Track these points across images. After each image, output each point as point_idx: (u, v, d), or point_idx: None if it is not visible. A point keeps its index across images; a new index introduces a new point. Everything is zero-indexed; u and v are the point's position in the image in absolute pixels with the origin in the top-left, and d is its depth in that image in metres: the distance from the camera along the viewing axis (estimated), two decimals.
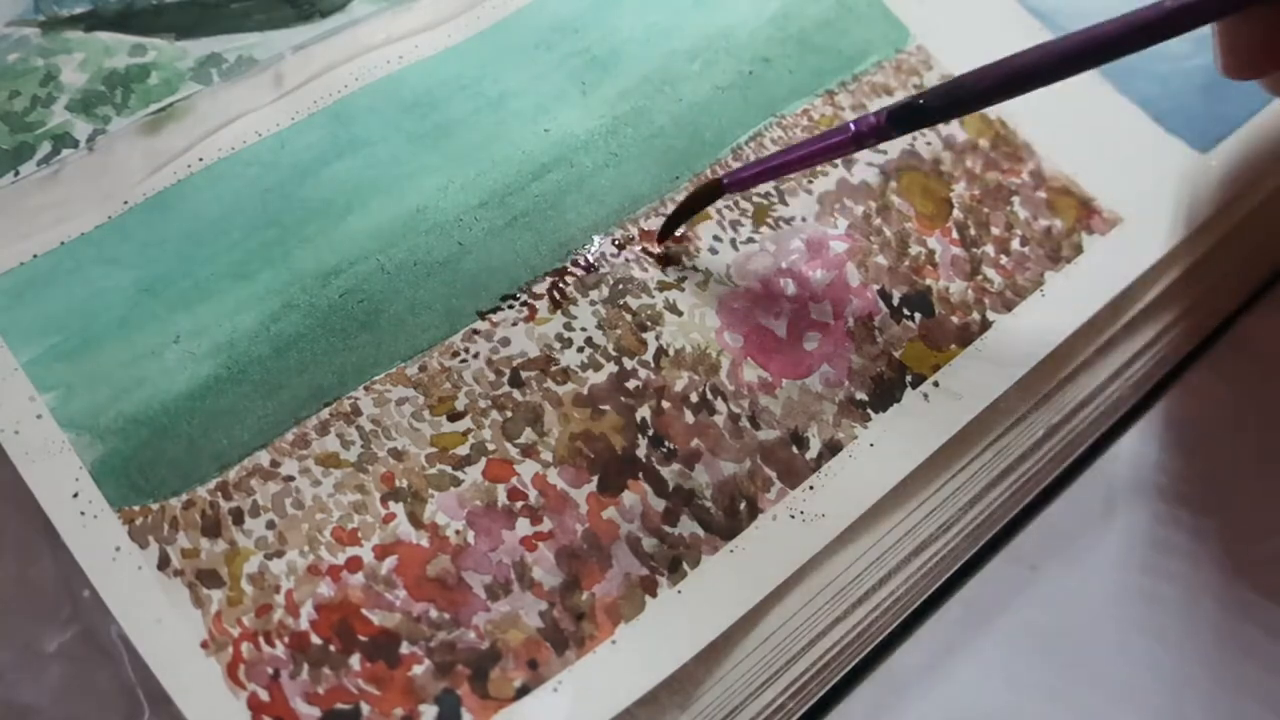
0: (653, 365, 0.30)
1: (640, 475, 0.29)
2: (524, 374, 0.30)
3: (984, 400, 0.31)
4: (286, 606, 0.26)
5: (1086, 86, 0.36)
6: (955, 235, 0.33)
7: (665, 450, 0.29)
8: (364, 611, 0.26)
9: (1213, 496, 0.32)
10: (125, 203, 0.31)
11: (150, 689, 0.25)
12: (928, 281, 0.32)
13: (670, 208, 0.33)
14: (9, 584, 0.26)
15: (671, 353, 0.30)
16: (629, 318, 0.31)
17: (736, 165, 0.33)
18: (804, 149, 0.29)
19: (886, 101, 0.35)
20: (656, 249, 0.32)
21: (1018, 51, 0.25)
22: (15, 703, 0.25)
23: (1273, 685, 0.29)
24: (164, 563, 0.26)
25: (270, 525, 0.27)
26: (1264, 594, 0.31)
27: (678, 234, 0.32)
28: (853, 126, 0.28)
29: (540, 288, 0.31)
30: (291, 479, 0.28)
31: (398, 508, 0.28)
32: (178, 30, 0.34)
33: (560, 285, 0.31)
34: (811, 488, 0.29)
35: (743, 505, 0.29)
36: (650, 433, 0.29)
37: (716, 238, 0.32)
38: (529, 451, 0.29)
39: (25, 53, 0.33)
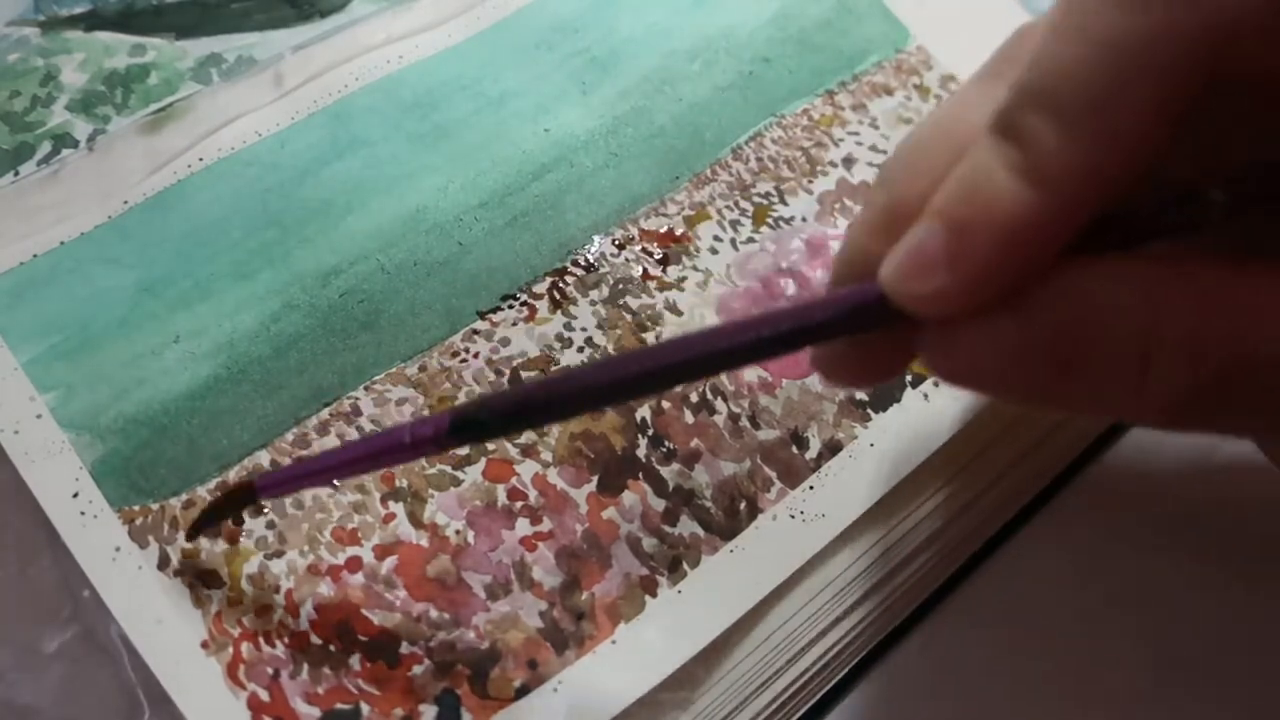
0: None
1: (640, 475, 0.29)
2: (524, 374, 0.30)
3: (984, 400, 0.31)
4: (286, 606, 0.26)
5: None
6: None
7: (665, 450, 0.29)
8: (364, 611, 0.26)
9: (1213, 499, 0.32)
10: (125, 202, 0.31)
11: (150, 689, 0.25)
12: None
13: (670, 208, 0.33)
14: (9, 584, 0.26)
15: None
16: (629, 318, 0.31)
17: (280, 468, 0.27)
18: (351, 453, 0.24)
19: (887, 101, 0.36)
20: (187, 544, 0.27)
21: (585, 365, 0.21)
22: (15, 703, 0.25)
23: (1272, 687, 0.29)
24: (164, 563, 0.26)
25: (270, 525, 0.27)
26: (1264, 594, 0.31)
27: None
28: (408, 437, 0.22)
29: (540, 288, 0.31)
30: None
31: (398, 507, 0.28)
32: (178, 30, 0.34)
33: (560, 285, 0.31)
34: (811, 488, 0.29)
35: (743, 505, 0.29)
36: (650, 433, 0.29)
37: (717, 238, 0.32)
38: (529, 451, 0.29)
39: (25, 53, 0.33)
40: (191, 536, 0.27)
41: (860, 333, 0.20)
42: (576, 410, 0.23)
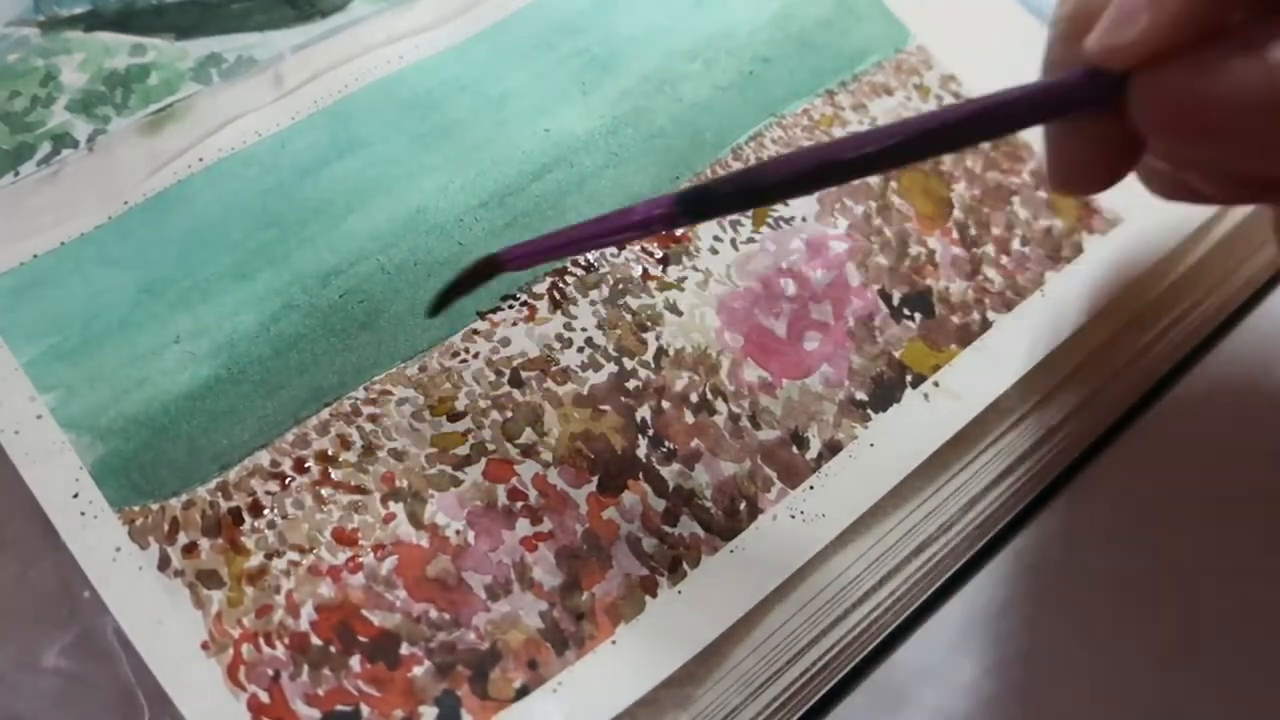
0: (653, 365, 0.30)
1: (640, 475, 0.29)
2: (524, 374, 0.30)
3: (984, 400, 0.31)
4: (287, 607, 0.26)
5: None
6: (955, 235, 0.33)
7: (665, 450, 0.29)
8: (364, 612, 0.26)
9: (1213, 498, 0.32)
10: (125, 203, 0.31)
11: (150, 690, 0.25)
12: (928, 281, 0.32)
13: None
14: (9, 584, 0.26)
15: (672, 353, 0.30)
16: (629, 318, 0.31)
17: (521, 242, 0.27)
18: (591, 229, 0.26)
19: (887, 101, 0.35)
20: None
21: (828, 142, 0.23)
22: (15, 703, 0.25)
23: (1272, 688, 0.29)
24: (164, 563, 0.26)
25: (271, 525, 0.27)
26: (1265, 596, 0.31)
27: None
28: (641, 210, 0.25)
29: (540, 287, 0.31)
30: (292, 479, 0.28)
31: (398, 508, 0.28)
32: (178, 30, 0.34)
33: (560, 285, 0.31)
34: (811, 488, 0.29)
35: (743, 505, 0.29)
36: (650, 433, 0.29)
37: (717, 238, 0.32)
38: (529, 452, 0.29)
39: (25, 53, 0.33)
40: (434, 312, 0.28)
41: (1079, 109, 0.22)
42: (800, 190, 0.24)
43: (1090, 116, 0.22)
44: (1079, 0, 0.22)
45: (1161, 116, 0.20)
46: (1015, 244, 0.33)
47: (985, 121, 0.21)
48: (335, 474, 0.28)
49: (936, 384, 0.31)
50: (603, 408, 0.29)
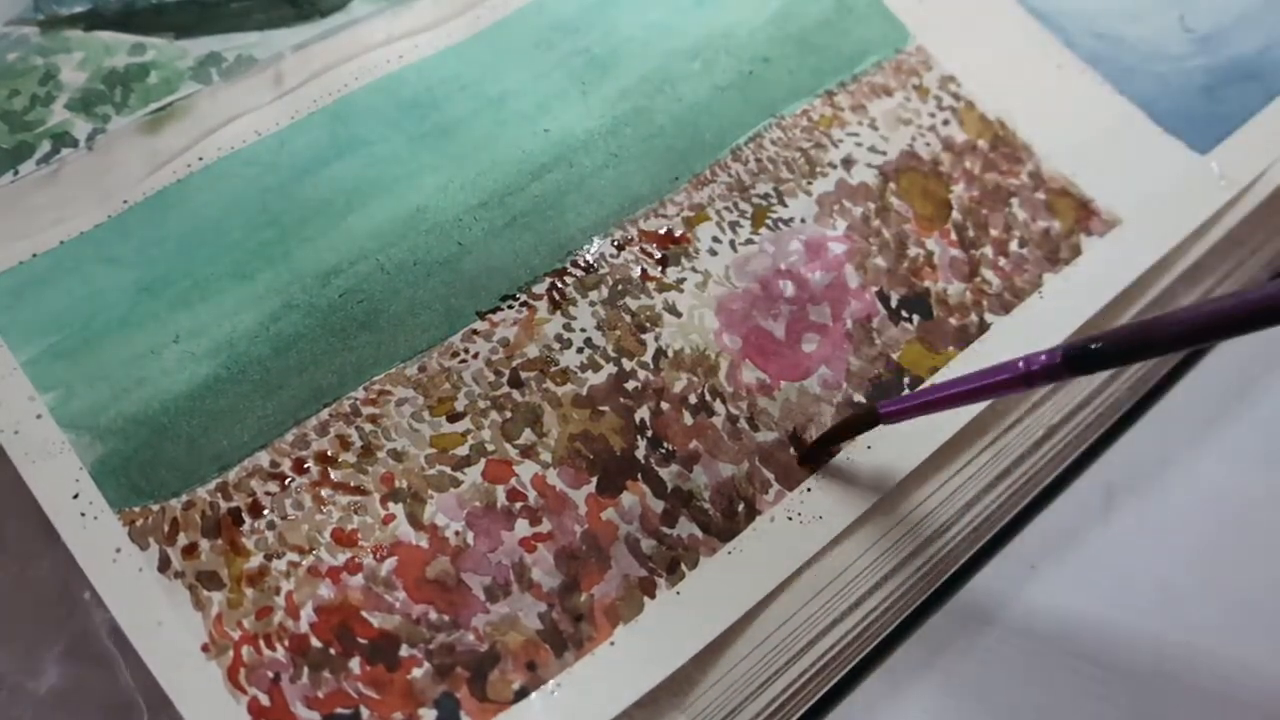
0: (652, 366, 0.30)
1: (639, 476, 0.29)
2: (523, 375, 0.30)
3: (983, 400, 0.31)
4: (287, 608, 0.26)
5: (1086, 87, 0.36)
6: (954, 237, 0.33)
7: (664, 451, 0.29)
8: (364, 613, 0.26)
9: (1213, 497, 0.32)
10: (125, 202, 0.31)
11: (150, 693, 0.25)
12: (926, 283, 0.33)
13: (669, 209, 0.33)
14: (9, 585, 0.26)
15: (670, 354, 0.30)
16: (628, 319, 0.31)
17: (898, 396, 0.29)
18: (970, 383, 0.26)
19: (886, 102, 0.35)
20: (801, 469, 0.29)
21: (1212, 299, 0.23)
22: (14, 704, 0.25)
23: (1273, 690, 0.30)
24: (164, 564, 0.26)
25: (270, 526, 0.27)
26: (1263, 598, 0.31)
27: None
28: (1021, 365, 0.24)
29: (540, 288, 0.31)
30: (291, 480, 0.28)
31: (397, 509, 0.28)
32: (177, 29, 0.34)
33: (559, 285, 0.31)
34: (809, 490, 0.29)
35: (741, 507, 0.29)
36: (649, 434, 0.29)
37: (716, 239, 0.32)
38: (528, 452, 0.29)
39: (25, 52, 0.33)
40: (806, 459, 0.29)
41: None
42: (1170, 348, 0.23)
43: None
44: None
45: None
46: (1013, 246, 0.33)
47: None
48: (335, 475, 0.28)
49: None
50: (602, 409, 0.30)
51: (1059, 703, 0.29)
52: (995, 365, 0.25)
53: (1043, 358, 0.24)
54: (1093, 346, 0.23)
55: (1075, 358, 0.23)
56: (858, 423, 0.29)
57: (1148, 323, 0.23)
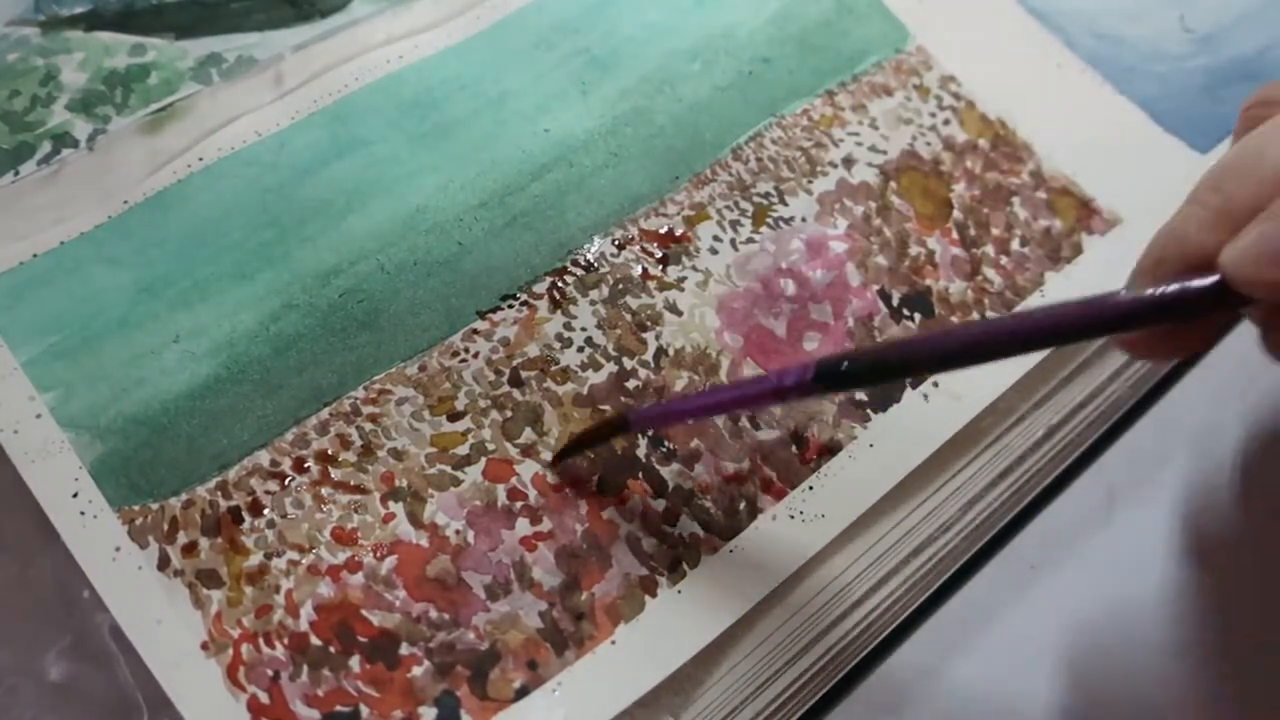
0: (653, 365, 0.30)
1: (640, 475, 0.29)
2: (524, 374, 0.30)
3: (983, 401, 0.31)
4: (286, 607, 0.26)
5: (1086, 87, 0.36)
6: (955, 236, 0.33)
7: (665, 450, 0.29)
8: (364, 612, 0.26)
9: (1212, 497, 0.32)
10: (125, 202, 0.31)
11: (149, 691, 0.25)
12: (928, 282, 0.32)
13: (670, 208, 0.33)
14: (9, 584, 0.26)
15: (671, 352, 0.30)
16: (629, 317, 0.31)
17: (648, 405, 0.29)
18: (723, 396, 0.26)
19: (886, 102, 0.35)
20: (552, 477, 0.29)
21: (957, 325, 0.23)
22: (13, 703, 0.25)
23: (1272, 691, 0.29)
24: (164, 563, 0.26)
25: (270, 525, 0.27)
26: (1264, 600, 0.31)
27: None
28: (773, 380, 0.24)
29: (540, 287, 0.31)
30: (291, 479, 0.28)
31: (397, 507, 0.28)
32: (178, 30, 0.34)
33: (560, 285, 0.31)
34: (811, 488, 0.29)
35: (742, 505, 0.29)
36: (650, 432, 0.29)
37: (716, 238, 0.32)
38: (529, 451, 0.29)
39: (25, 52, 0.33)
40: (557, 462, 0.29)
41: (1188, 316, 0.22)
42: (926, 370, 0.25)
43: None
44: (1229, 199, 0.22)
45: None
46: (1015, 244, 0.33)
47: (1104, 322, 0.21)
48: (335, 473, 0.28)
49: (936, 384, 0.31)
50: (603, 407, 0.29)
51: (1059, 703, 0.29)
52: (750, 378, 0.25)
53: (793, 376, 0.23)
54: (843, 366, 0.23)
55: (826, 375, 0.23)
56: (608, 428, 0.28)
57: (898, 344, 0.23)
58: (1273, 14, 0.38)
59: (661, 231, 0.32)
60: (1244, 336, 0.35)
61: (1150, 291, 0.21)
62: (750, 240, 0.33)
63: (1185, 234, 0.23)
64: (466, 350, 0.30)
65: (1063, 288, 0.33)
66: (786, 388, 0.24)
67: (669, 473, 0.29)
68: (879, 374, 0.23)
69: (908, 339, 0.23)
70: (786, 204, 0.33)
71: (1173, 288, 0.21)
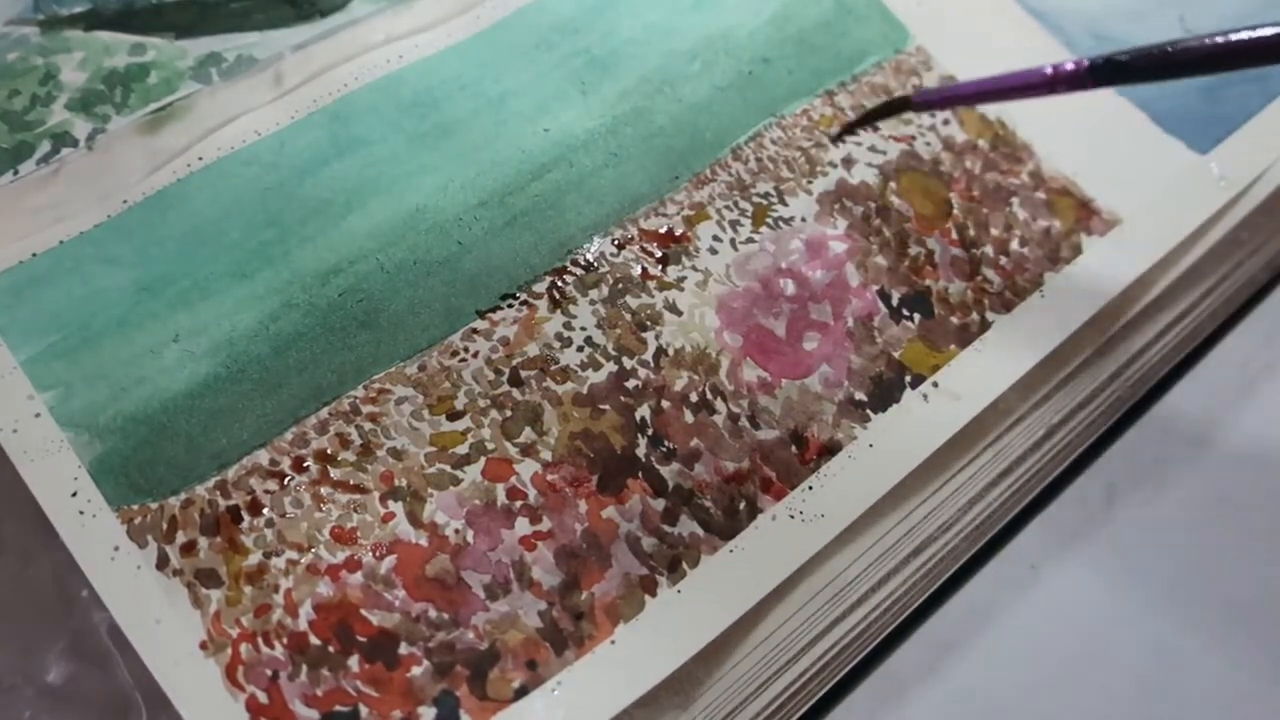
0: (652, 365, 0.30)
1: (640, 474, 0.29)
2: (523, 373, 0.30)
3: (983, 401, 0.31)
4: (285, 606, 0.26)
5: None
6: (955, 236, 0.33)
7: (665, 450, 0.29)
8: (363, 612, 0.26)
9: (1212, 497, 0.32)
10: (125, 202, 0.31)
11: (148, 690, 0.25)
12: (927, 282, 0.32)
13: (670, 208, 0.33)
14: (7, 584, 0.26)
15: (671, 352, 0.30)
16: (628, 317, 0.31)
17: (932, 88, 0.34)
18: (998, 83, 0.29)
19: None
20: (833, 133, 0.33)
21: (1223, 31, 0.25)
22: (12, 703, 0.25)
23: (1273, 691, 0.29)
24: (163, 562, 0.26)
25: (269, 524, 0.27)
26: (1264, 601, 0.31)
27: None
28: (1049, 70, 0.27)
29: (540, 287, 0.31)
30: (290, 478, 0.28)
31: (397, 507, 0.28)
32: (177, 29, 0.34)
33: (560, 285, 0.31)
34: (811, 488, 0.29)
35: (742, 505, 0.29)
36: (650, 432, 0.29)
37: (716, 238, 0.32)
38: (528, 451, 0.29)
39: (25, 51, 0.33)
40: (840, 137, 0.33)
41: None
42: (1199, 69, 0.26)
43: None
44: None
45: None
46: (1014, 245, 0.33)
47: None
48: (334, 473, 0.28)
49: (936, 384, 0.31)
50: (602, 407, 0.29)
51: (1059, 703, 0.29)
52: (1024, 70, 0.28)
53: (1069, 65, 0.27)
54: (1121, 58, 0.26)
55: (1100, 68, 0.26)
56: (892, 106, 0.32)
57: (1174, 43, 0.25)
58: (1272, 14, 0.38)
59: (661, 231, 0.32)
60: (1244, 337, 0.35)
61: None
62: (750, 240, 0.33)
63: None
64: (466, 350, 0.30)
65: (1062, 288, 0.33)
66: (1062, 76, 0.27)
67: (669, 472, 0.29)
68: (1155, 68, 0.26)
69: (1180, 41, 0.26)
70: (786, 204, 0.33)
71: None
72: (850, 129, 0.33)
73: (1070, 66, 0.27)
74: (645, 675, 0.26)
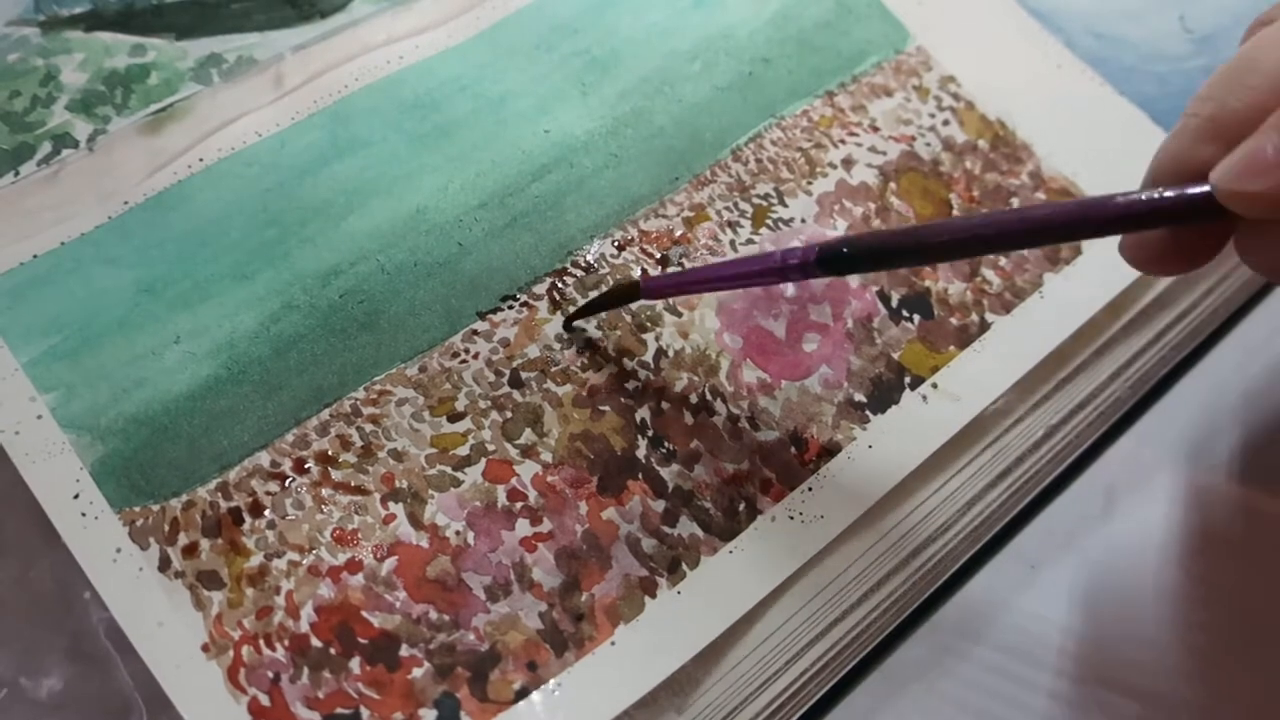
0: (652, 366, 0.30)
1: (640, 476, 0.29)
2: (524, 374, 0.30)
3: (982, 402, 0.31)
4: (287, 608, 0.26)
5: (1085, 87, 0.36)
6: None
7: (665, 451, 0.29)
8: (364, 613, 0.26)
9: (1211, 497, 0.32)
10: (125, 203, 0.31)
11: (150, 693, 0.25)
12: (926, 283, 0.33)
13: (670, 209, 0.33)
14: (9, 586, 0.26)
15: (671, 354, 0.30)
16: (628, 318, 0.31)
17: (657, 273, 0.32)
18: (729, 270, 0.28)
19: (886, 103, 0.36)
20: (565, 336, 0.31)
21: (958, 217, 0.24)
22: (13, 705, 0.25)
23: (1273, 690, 0.30)
24: (165, 564, 0.26)
25: (271, 526, 0.27)
26: (1263, 599, 0.31)
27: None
28: (779, 258, 0.26)
29: (540, 288, 0.31)
30: (292, 479, 0.28)
31: (398, 508, 0.28)
32: (178, 30, 0.34)
33: (560, 286, 0.31)
34: (810, 489, 0.29)
35: (742, 506, 0.29)
36: (650, 433, 0.29)
37: (716, 238, 0.32)
38: (529, 452, 0.29)
39: (25, 53, 0.33)
40: (568, 325, 0.30)
41: (1178, 224, 0.22)
42: (922, 258, 0.26)
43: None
44: (1221, 106, 0.22)
45: (1266, 268, 0.22)
46: None
47: (1098, 222, 0.22)
48: (335, 474, 0.28)
49: (935, 385, 0.31)
50: (602, 408, 0.30)
51: (1059, 703, 0.29)
52: (754, 255, 0.27)
53: (797, 255, 0.25)
54: (843, 250, 0.24)
55: (827, 259, 0.25)
56: (620, 293, 0.30)
57: (898, 231, 0.25)
58: None
59: (661, 232, 0.32)
60: (1244, 336, 0.35)
61: (1143, 195, 0.21)
62: (750, 241, 0.33)
63: (1179, 143, 0.23)
64: (466, 351, 0.30)
65: (1061, 289, 0.33)
66: (791, 265, 0.25)
67: (669, 473, 0.29)
68: (877, 259, 0.25)
69: (907, 227, 0.24)
70: (786, 205, 0.33)
71: (1168, 193, 0.21)
72: (577, 316, 0.30)
73: (796, 260, 0.25)
74: (645, 676, 0.26)
